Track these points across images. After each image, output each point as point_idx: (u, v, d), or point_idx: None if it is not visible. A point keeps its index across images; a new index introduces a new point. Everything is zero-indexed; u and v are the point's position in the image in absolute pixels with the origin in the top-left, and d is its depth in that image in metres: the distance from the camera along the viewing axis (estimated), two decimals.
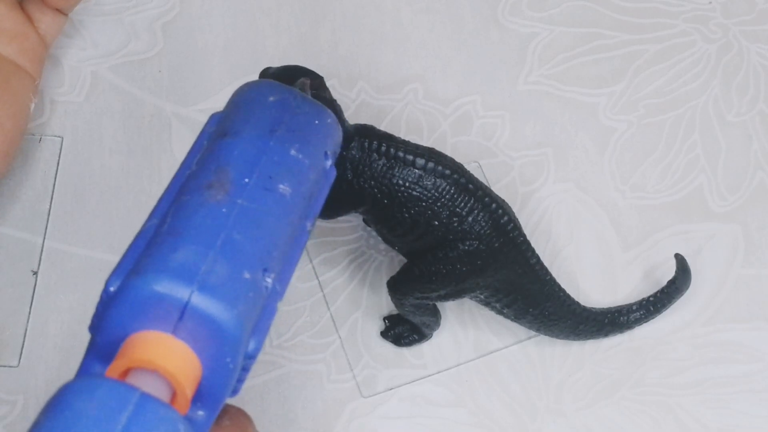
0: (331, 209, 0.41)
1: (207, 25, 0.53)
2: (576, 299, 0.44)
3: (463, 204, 0.40)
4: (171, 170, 0.35)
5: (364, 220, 0.47)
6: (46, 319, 0.45)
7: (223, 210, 0.29)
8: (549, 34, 0.54)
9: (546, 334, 0.45)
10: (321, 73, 0.40)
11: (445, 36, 0.54)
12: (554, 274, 0.43)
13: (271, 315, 0.30)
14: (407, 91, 0.52)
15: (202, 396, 0.29)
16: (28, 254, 0.46)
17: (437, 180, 0.39)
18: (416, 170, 0.39)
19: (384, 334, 0.46)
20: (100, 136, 0.49)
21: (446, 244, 0.40)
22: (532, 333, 0.46)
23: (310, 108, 0.35)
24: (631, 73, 0.53)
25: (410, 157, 0.39)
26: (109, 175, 0.48)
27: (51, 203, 0.47)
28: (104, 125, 0.50)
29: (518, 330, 0.46)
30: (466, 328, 0.46)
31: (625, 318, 0.45)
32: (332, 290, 0.47)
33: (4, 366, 0.44)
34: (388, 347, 0.46)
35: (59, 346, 0.44)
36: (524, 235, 0.41)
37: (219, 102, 0.51)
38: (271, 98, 0.34)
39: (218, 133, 0.33)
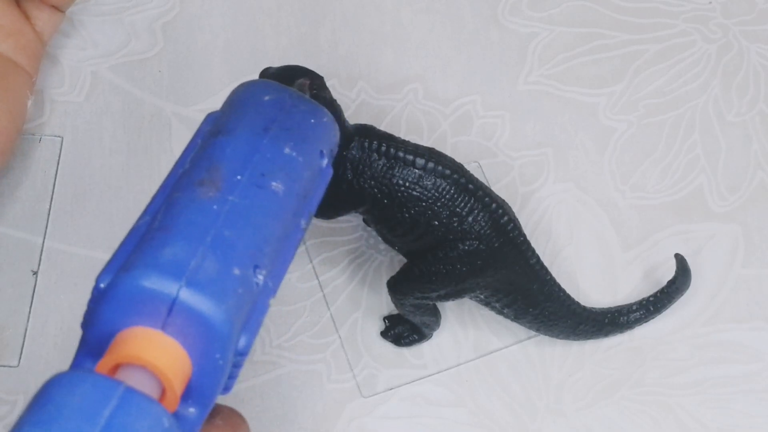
0: (331, 209, 0.41)
1: (207, 25, 0.53)
2: (576, 299, 0.44)
3: (463, 204, 0.40)
4: None
5: (364, 220, 0.47)
6: (46, 319, 0.45)
7: (214, 207, 0.30)
8: (549, 34, 0.54)
9: (546, 334, 0.45)
10: (321, 73, 0.40)
11: (445, 36, 0.54)
12: (554, 274, 0.43)
13: (262, 311, 0.30)
14: (407, 91, 0.52)
15: (192, 393, 0.29)
16: (28, 254, 0.46)
17: (437, 180, 0.39)
18: (416, 170, 0.39)
19: (384, 334, 0.46)
20: (100, 136, 0.49)
21: (446, 244, 0.40)
22: (532, 333, 0.46)
23: (306, 107, 0.35)
24: (631, 73, 0.53)
25: (410, 157, 0.39)
26: (109, 175, 0.48)
27: (51, 203, 0.47)
28: (104, 125, 0.50)
29: (518, 330, 0.46)
30: (466, 328, 0.46)
31: (625, 318, 0.45)
32: (332, 290, 0.47)
33: (4, 366, 0.44)
34: (388, 347, 0.46)
35: (59, 346, 0.44)
36: (524, 235, 0.41)
37: (219, 102, 0.50)
38: (267, 97, 0.34)
39: (213, 131, 0.33)
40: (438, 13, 0.54)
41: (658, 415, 0.45)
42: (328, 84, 0.40)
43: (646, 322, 0.46)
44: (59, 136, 0.49)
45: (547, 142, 0.51)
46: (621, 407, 0.45)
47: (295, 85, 0.38)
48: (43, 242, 0.46)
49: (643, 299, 0.45)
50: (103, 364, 0.27)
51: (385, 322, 0.46)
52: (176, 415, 0.28)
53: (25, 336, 0.44)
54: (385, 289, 0.44)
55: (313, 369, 0.45)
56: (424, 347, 0.46)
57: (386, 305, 0.46)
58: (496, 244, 0.40)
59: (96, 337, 0.28)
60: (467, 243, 0.40)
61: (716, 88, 0.53)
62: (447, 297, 0.42)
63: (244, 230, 0.30)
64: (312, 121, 0.34)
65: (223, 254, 0.29)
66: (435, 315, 0.45)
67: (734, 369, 0.46)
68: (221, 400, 0.30)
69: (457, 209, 0.40)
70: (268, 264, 0.30)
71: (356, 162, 0.39)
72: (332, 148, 0.35)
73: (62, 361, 0.44)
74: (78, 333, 0.29)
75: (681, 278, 0.46)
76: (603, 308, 0.45)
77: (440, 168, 0.39)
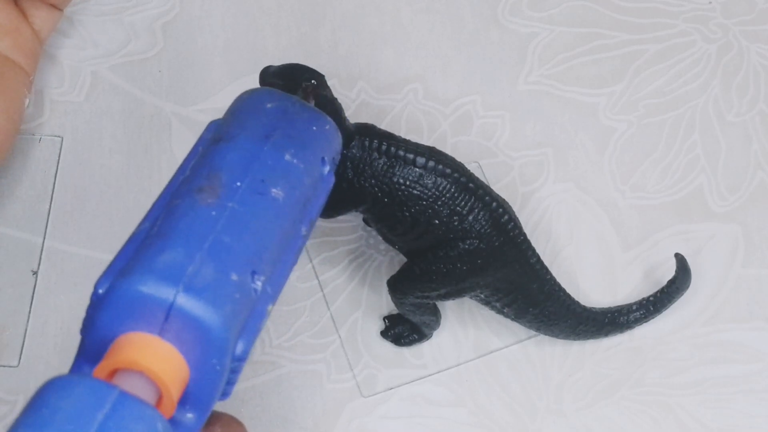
0: (332, 208, 0.41)
1: (207, 25, 0.53)
2: (576, 299, 0.44)
3: (463, 203, 0.40)
4: (171, 170, 0.35)
5: (364, 219, 0.47)
6: (46, 319, 0.45)
7: (213, 213, 0.30)
8: (549, 34, 0.54)
9: (546, 334, 0.45)
10: (321, 73, 0.40)
11: (445, 36, 0.54)
12: (554, 274, 0.43)
13: (260, 317, 0.30)
14: (407, 91, 0.52)
15: (190, 398, 0.29)
16: (28, 254, 0.46)
17: (438, 179, 0.39)
18: (417, 169, 0.39)
19: (384, 334, 0.46)
20: (100, 136, 0.49)
21: (446, 243, 0.40)
22: (532, 333, 0.46)
23: (308, 115, 0.35)
24: (631, 73, 0.53)
25: (411, 156, 0.39)
26: (109, 175, 0.48)
27: (51, 203, 0.47)
28: (104, 125, 0.50)
29: (518, 330, 0.46)
30: (466, 328, 0.46)
31: (625, 318, 0.45)
32: (332, 290, 0.47)
33: (4, 366, 0.43)
34: (388, 347, 0.46)
35: (59, 346, 0.44)
36: (524, 235, 0.41)
37: (219, 102, 0.51)
38: (269, 105, 0.34)
39: (214, 138, 0.33)
40: (438, 13, 0.54)
41: (658, 415, 0.45)
42: (328, 84, 0.40)
43: (646, 322, 0.46)
44: (59, 136, 0.49)
45: (547, 142, 0.51)
46: (621, 407, 0.45)
47: (299, 92, 0.38)
48: (43, 242, 0.46)
49: (643, 299, 0.45)
50: (101, 369, 0.27)
51: (385, 321, 0.46)
52: (174, 421, 0.28)
53: (25, 336, 0.44)
54: (385, 289, 0.43)
55: (313, 369, 0.45)
56: (424, 347, 0.46)
57: (386, 305, 0.46)
58: (497, 243, 0.40)
59: (94, 343, 0.28)
60: (467, 242, 0.40)
61: (716, 88, 0.53)
62: (447, 296, 0.42)
63: (243, 236, 0.30)
64: (314, 128, 0.34)
65: (221, 260, 0.29)
66: (435, 314, 0.44)
67: (734, 369, 0.46)
68: (220, 405, 0.30)
69: (458, 208, 0.40)
70: (267, 270, 0.30)
71: (357, 161, 0.39)
72: (334, 155, 0.35)
73: (62, 362, 0.44)
74: (78, 333, 0.29)
75: (681, 278, 0.46)
76: (603, 308, 0.45)
77: (441, 167, 0.39)
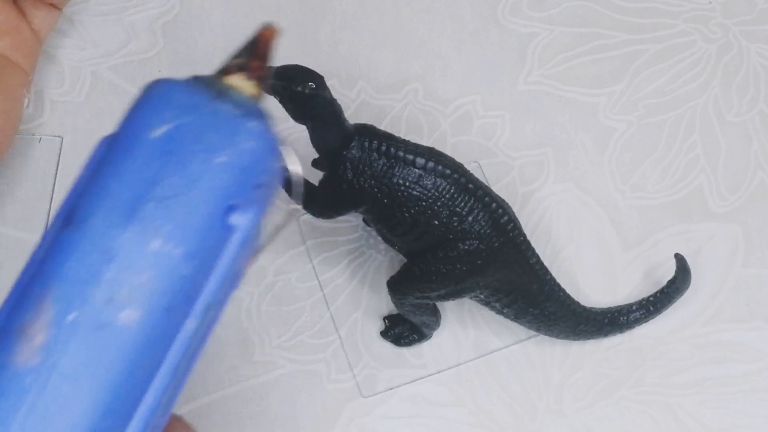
0: (332, 209, 0.41)
1: (207, 25, 0.53)
2: (576, 299, 0.44)
3: (463, 203, 0.40)
4: None
5: (364, 219, 0.47)
6: None
7: (27, 381, 0.24)
8: (549, 34, 0.54)
9: (546, 334, 0.45)
10: (321, 73, 0.40)
11: (445, 36, 0.54)
12: (554, 274, 0.43)
13: None
14: (407, 91, 0.52)
15: None
16: (28, 254, 0.46)
17: (437, 179, 0.39)
18: (416, 170, 0.39)
19: (384, 334, 0.46)
20: (100, 136, 0.49)
21: (446, 243, 0.40)
22: (532, 333, 0.46)
23: (218, 135, 0.25)
24: (631, 73, 0.53)
25: (410, 157, 0.39)
26: None
27: (51, 203, 0.47)
28: (104, 125, 0.50)
29: (518, 330, 0.46)
30: (466, 328, 0.46)
31: (625, 318, 0.45)
32: (332, 290, 0.47)
33: None
34: (388, 347, 0.46)
35: None
36: (524, 235, 0.41)
37: None
38: (156, 132, 0.26)
39: (67, 215, 0.26)
40: (438, 13, 0.54)
41: (658, 415, 0.45)
42: (328, 84, 0.40)
43: (646, 322, 0.46)
44: (59, 136, 0.49)
45: (547, 142, 0.51)
46: (621, 407, 0.45)
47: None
48: None
49: (643, 299, 0.45)
50: None
51: (385, 322, 0.46)
52: None
53: None
54: (385, 289, 0.44)
55: (313, 369, 0.45)
56: (424, 347, 0.46)
57: (386, 305, 0.46)
58: (496, 244, 0.40)
59: None
60: (467, 242, 0.40)
61: (716, 88, 0.53)
62: (447, 296, 0.42)
63: (73, 397, 0.24)
64: (221, 160, 0.25)
65: None
66: (435, 315, 0.44)
67: (734, 369, 0.46)
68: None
69: (457, 209, 0.40)
70: (119, 425, 0.25)
71: (356, 161, 0.39)
72: (263, 179, 0.26)
73: None
74: None
75: (681, 278, 0.46)
76: (603, 308, 0.45)
77: (440, 167, 0.39)
